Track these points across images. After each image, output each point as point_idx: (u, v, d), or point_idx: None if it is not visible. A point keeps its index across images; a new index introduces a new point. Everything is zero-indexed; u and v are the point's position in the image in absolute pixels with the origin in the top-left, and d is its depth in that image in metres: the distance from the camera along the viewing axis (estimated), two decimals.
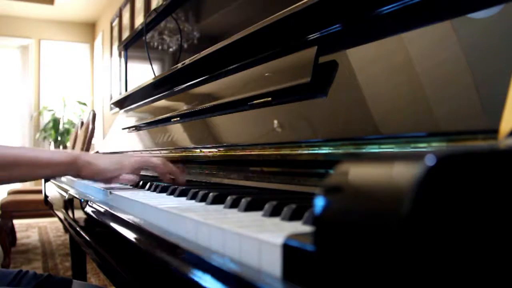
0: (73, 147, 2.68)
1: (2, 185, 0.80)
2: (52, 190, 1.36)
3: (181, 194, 0.64)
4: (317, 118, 0.62)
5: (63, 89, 5.53)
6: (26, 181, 0.80)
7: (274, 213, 0.43)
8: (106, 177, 0.80)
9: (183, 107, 1.09)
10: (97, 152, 1.72)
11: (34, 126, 5.50)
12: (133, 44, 1.80)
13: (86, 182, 1.00)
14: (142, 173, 1.21)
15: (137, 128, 1.42)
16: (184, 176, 0.84)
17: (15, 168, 0.73)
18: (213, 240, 0.38)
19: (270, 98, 0.72)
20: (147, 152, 1.23)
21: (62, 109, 5.37)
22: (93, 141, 2.36)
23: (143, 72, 1.62)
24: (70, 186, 1.12)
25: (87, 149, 2.24)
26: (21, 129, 5.51)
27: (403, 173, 0.20)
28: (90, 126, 2.24)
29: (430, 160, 0.20)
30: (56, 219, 2.45)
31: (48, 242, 3.39)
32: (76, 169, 0.78)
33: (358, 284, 0.21)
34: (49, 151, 0.81)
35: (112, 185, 0.82)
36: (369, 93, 0.55)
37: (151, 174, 1.16)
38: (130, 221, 0.55)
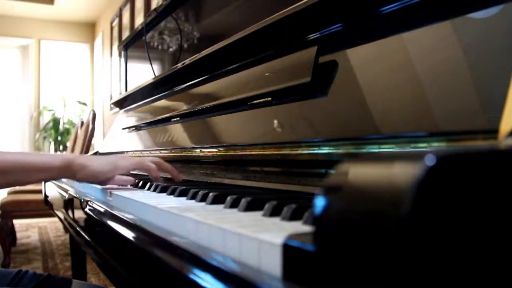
0: (73, 147, 2.68)
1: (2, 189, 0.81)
2: (52, 190, 1.36)
3: (181, 194, 0.64)
4: (317, 118, 0.62)
5: (63, 89, 5.53)
6: (22, 185, 0.81)
7: (274, 213, 0.43)
8: (101, 179, 0.80)
9: (183, 107, 1.09)
10: (96, 152, 1.72)
11: (34, 126, 5.50)
12: (133, 44, 1.80)
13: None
14: (143, 172, 1.21)
15: (137, 128, 1.42)
16: (180, 177, 0.86)
17: (10, 173, 0.75)
18: (213, 240, 0.38)
19: (270, 98, 0.72)
20: (147, 152, 1.23)
21: (62, 109, 5.37)
22: (93, 141, 2.36)
23: (143, 72, 1.62)
24: (70, 186, 1.12)
25: (87, 149, 2.24)
26: (21, 129, 5.51)
27: (403, 173, 0.20)
28: (90, 126, 2.24)
29: (430, 160, 0.20)
30: (56, 219, 2.45)
31: (48, 242, 3.39)
32: (71, 172, 0.78)
33: (358, 284, 0.21)
34: (44, 155, 0.81)
35: (110, 185, 0.82)
36: (369, 93, 0.55)
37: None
38: (130, 221, 0.55)
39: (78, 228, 0.86)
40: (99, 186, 0.84)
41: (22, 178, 0.76)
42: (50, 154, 0.98)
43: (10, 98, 5.51)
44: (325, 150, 0.57)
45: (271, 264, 0.30)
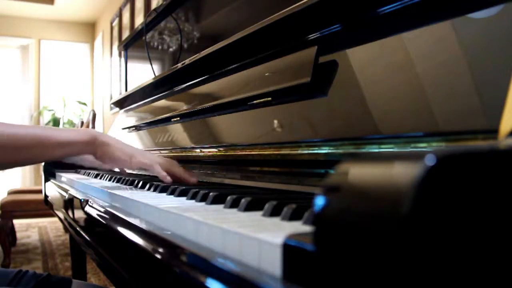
0: None
1: (20, 166, 0.79)
2: (52, 190, 1.36)
3: (181, 194, 0.64)
4: (317, 118, 0.62)
5: (63, 89, 5.53)
6: (44, 161, 0.77)
7: (274, 213, 0.43)
8: (115, 166, 0.81)
9: (183, 107, 1.09)
10: None
11: None
12: (133, 44, 1.80)
13: (86, 182, 1.00)
14: (143, 172, 1.21)
15: (137, 128, 1.42)
16: (195, 178, 0.84)
17: (34, 148, 0.72)
18: (213, 240, 0.38)
19: (270, 98, 0.72)
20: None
21: (62, 109, 5.37)
22: None
23: (143, 72, 1.62)
24: (70, 186, 1.12)
25: None
26: None
27: (403, 173, 0.20)
28: (90, 126, 2.24)
29: (430, 160, 0.20)
30: (56, 219, 2.45)
31: (48, 242, 3.39)
32: (93, 147, 0.77)
33: (358, 284, 0.21)
34: (67, 130, 0.79)
35: (112, 184, 0.82)
36: (369, 93, 0.55)
37: (152, 174, 1.16)
38: (130, 221, 0.55)
39: (78, 228, 0.86)
40: (99, 186, 0.84)
41: (44, 153, 0.74)
42: (72, 129, 0.94)
43: (10, 98, 5.51)
44: (325, 150, 0.57)
45: (271, 264, 0.30)
